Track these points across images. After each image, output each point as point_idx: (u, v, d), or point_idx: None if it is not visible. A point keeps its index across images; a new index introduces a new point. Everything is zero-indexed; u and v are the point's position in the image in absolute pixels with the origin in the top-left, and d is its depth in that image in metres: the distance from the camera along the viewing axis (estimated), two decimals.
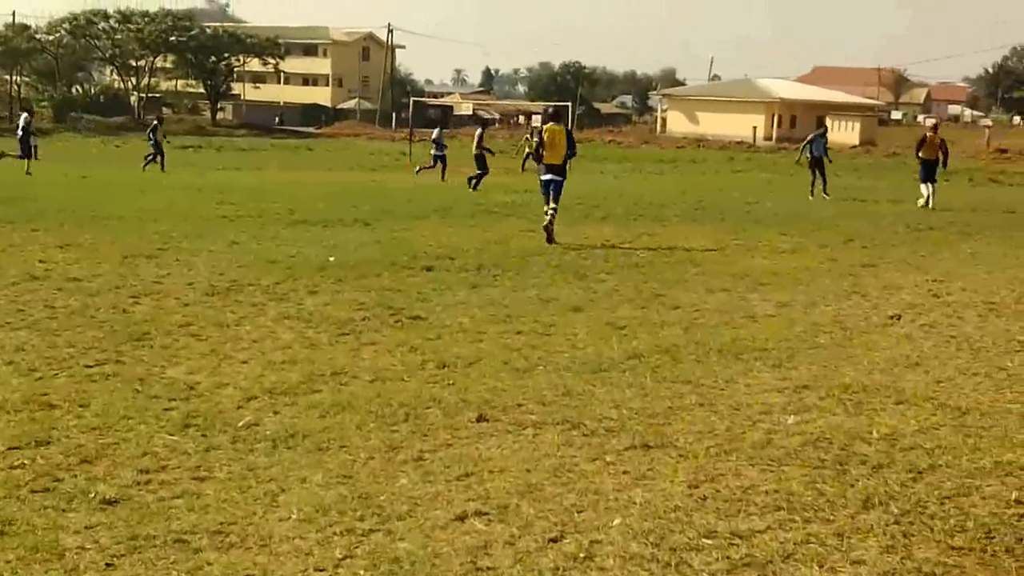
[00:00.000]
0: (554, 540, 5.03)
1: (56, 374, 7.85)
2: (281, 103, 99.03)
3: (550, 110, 18.55)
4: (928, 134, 26.64)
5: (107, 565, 4.70)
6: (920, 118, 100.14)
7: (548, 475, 5.92)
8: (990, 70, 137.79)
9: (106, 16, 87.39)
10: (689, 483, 5.81)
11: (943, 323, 10.63)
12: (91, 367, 8.07)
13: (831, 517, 5.36)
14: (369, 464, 6.04)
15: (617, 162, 51.24)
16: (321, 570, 4.71)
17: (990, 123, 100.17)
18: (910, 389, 7.93)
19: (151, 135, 35.76)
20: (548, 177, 16.70)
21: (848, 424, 7.00)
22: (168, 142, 39.36)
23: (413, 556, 4.81)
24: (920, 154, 26.14)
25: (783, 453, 6.37)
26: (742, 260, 15.00)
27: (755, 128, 75.18)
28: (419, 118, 66.09)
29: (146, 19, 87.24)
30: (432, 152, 33.48)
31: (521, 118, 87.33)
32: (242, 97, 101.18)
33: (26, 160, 32.34)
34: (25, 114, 36.61)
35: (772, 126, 78.21)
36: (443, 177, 32.37)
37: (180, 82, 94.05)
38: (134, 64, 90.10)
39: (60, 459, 5.99)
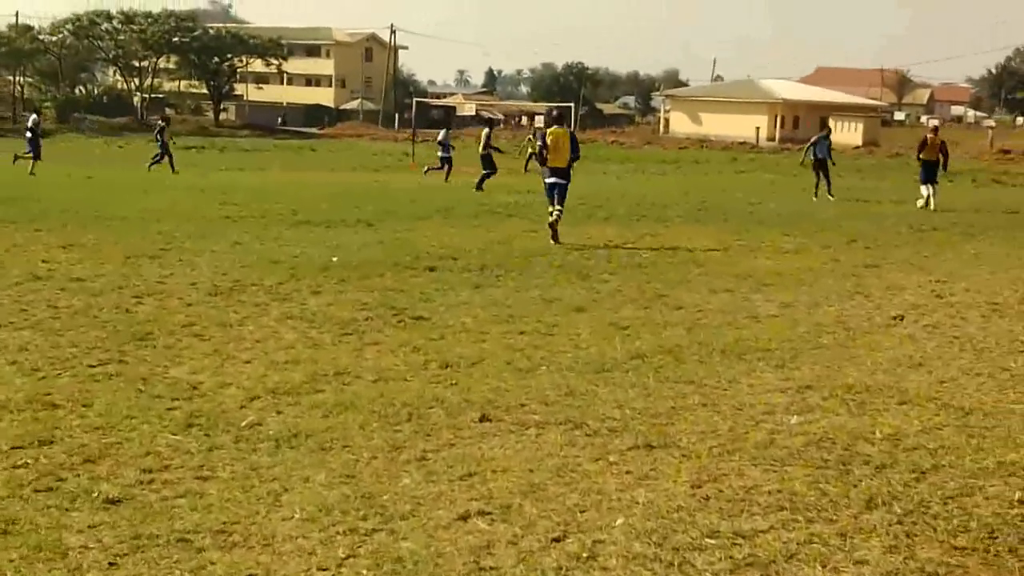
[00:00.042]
0: (557, 540, 5.02)
1: (59, 374, 7.86)
2: (284, 104, 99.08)
3: (554, 113, 18.58)
4: (929, 136, 26.69)
5: (110, 564, 4.70)
6: (923, 119, 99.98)
7: (551, 475, 5.92)
8: (993, 71, 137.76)
9: (109, 17, 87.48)
10: (692, 483, 5.81)
11: (946, 324, 10.62)
12: (94, 367, 8.08)
13: (834, 517, 5.35)
14: (372, 464, 6.05)
15: (620, 163, 51.23)
16: (324, 569, 4.70)
17: (993, 124, 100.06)
18: (913, 389, 7.92)
19: (158, 136, 35.91)
20: (552, 180, 16.69)
21: (851, 424, 7.00)
22: (174, 143, 39.45)
23: (416, 556, 4.81)
24: (921, 156, 26.18)
25: (786, 453, 6.36)
26: (745, 260, 15.00)
27: (758, 129, 75.18)
28: (422, 119, 66.19)
29: (149, 20, 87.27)
30: (439, 153, 33.46)
31: (524, 119, 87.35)
32: (245, 98, 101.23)
33: (33, 160, 32.41)
34: (34, 115, 36.75)
35: (775, 127, 78.19)
36: (446, 178, 32.37)
37: (183, 83, 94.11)
38: (137, 65, 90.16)
39: (63, 458, 5.99)
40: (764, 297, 11.89)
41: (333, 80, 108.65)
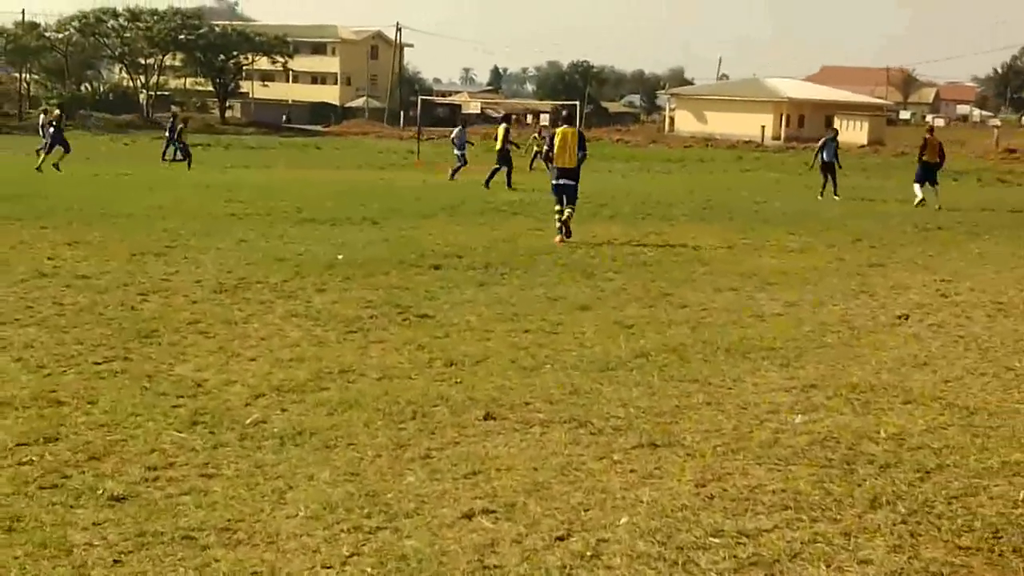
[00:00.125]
0: (561, 538, 5.03)
1: (64, 371, 7.87)
2: (289, 101, 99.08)
3: (564, 112, 18.62)
4: (927, 136, 26.87)
5: (115, 561, 4.71)
6: (928, 118, 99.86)
7: (555, 473, 5.92)
8: (999, 70, 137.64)
9: (115, 14, 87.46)
10: (696, 482, 5.81)
11: (951, 323, 10.62)
12: (99, 364, 8.09)
13: (838, 516, 5.35)
14: (376, 462, 6.05)
15: (625, 161, 51.18)
16: (328, 567, 4.71)
17: (999, 123, 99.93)
18: (918, 389, 7.92)
19: (178, 137, 36.36)
20: (561, 181, 16.65)
21: (855, 423, 7.00)
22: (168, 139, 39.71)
23: (420, 554, 4.82)
24: (924, 157, 26.26)
25: (790, 452, 6.37)
26: (750, 259, 14.99)
27: (763, 127, 75.02)
28: (427, 117, 66.14)
29: (155, 17, 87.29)
30: (455, 152, 33.36)
31: (529, 117, 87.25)
32: (251, 95, 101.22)
33: (64, 153, 32.51)
34: (56, 111, 37.04)
35: (780, 125, 78.01)
36: (452, 176, 32.34)
37: (189, 80, 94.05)
38: (143, 62, 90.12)
39: (68, 456, 6.00)
40: (769, 296, 11.89)
41: (339, 78, 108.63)
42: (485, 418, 6.92)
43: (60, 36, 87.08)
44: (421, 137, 51.49)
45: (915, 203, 25.34)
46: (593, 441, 6.52)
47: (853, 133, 69.74)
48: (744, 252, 15.85)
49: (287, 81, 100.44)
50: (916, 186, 25.93)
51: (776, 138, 74.85)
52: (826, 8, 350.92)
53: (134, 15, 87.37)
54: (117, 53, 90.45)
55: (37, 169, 30.99)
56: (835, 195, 27.71)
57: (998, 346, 9.55)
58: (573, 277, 12.86)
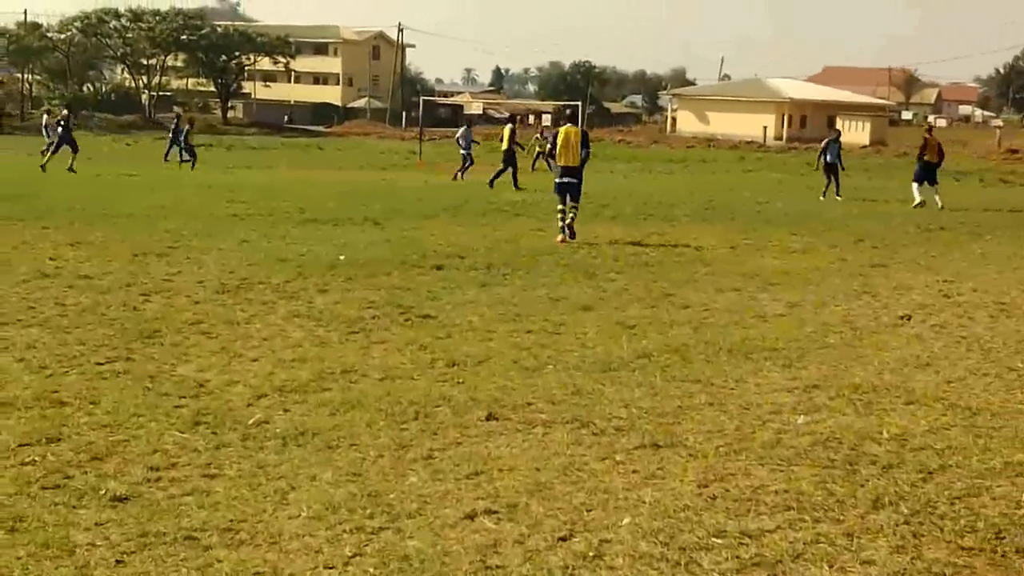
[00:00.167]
0: (563, 539, 5.03)
1: (67, 371, 7.87)
2: (291, 102, 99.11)
3: (567, 111, 18.66)
4: (926, 136, 27.05)
5: (117, 562, 4.71)
6: (930, 118, 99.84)
7: (557, 474, 5.92)
8: (1001, 70, 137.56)
9: (117, 15, 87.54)
10: (699, 482, 5.81)
11: (953, 323, 10.61)
12: (101, 364, 8.09)
13: (841, 517, 5.35)
14: (379, 462, 6.05)
15: (627, 161, 51.20)
16: (331, 568, 4.71)
17: (1001, 123, 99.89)
18: (920, 389, 7.91)
19: (185, 138, 36.47)
20: (565, 180, 16.68)
21: (858, 424, 6.99)
22: (171, 139, 39.87)
23: (423, 554, 4.82)
24: (925, 157, 26.34)
25: (793, 453, 6.36)
26: (752, 260, 14.99)
27: (765, 128, 75.03)
28: (429, 117, 66.10)
29: (157, 18, 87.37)
30: (461, 152, 33.37)
31: (531, 117, 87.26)
32: (253, 96, 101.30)
33: (72, 154, 32.58)
34: (66, 111, 37.16)
35: (782, 126, 78.03)
36: (455, 176, 32.35)
37: (191, 80, 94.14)
38: (145, 62, 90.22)
39: (70, 456, 6.00)
40: (771, 296, 11.88)
41: (341, 78, 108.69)
42: (487, 418, 6.92)
43: (62, 36, 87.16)
44: (423, 138, 51.51)
45: (913, 205, 25.36)
46: (595, 441, 6.51)
47: (855, 133, 69.72)
48: (746, 252, 15.84)
49: (289, 81, 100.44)
50: (915, 186, 26.06)
51: (778, 138, 74.86)
52: (827, 8, 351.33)
53: (136, 15, 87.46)
54: (119, 53, 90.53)
55: (41, 168, 31.03)
56: (837, 195, 27.74)
57: (1000, 347, 9.54)
58: (575, 278, 12.86)
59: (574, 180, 16.65)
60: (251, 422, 6.71)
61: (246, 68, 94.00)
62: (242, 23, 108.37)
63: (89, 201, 21.23)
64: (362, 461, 6.06)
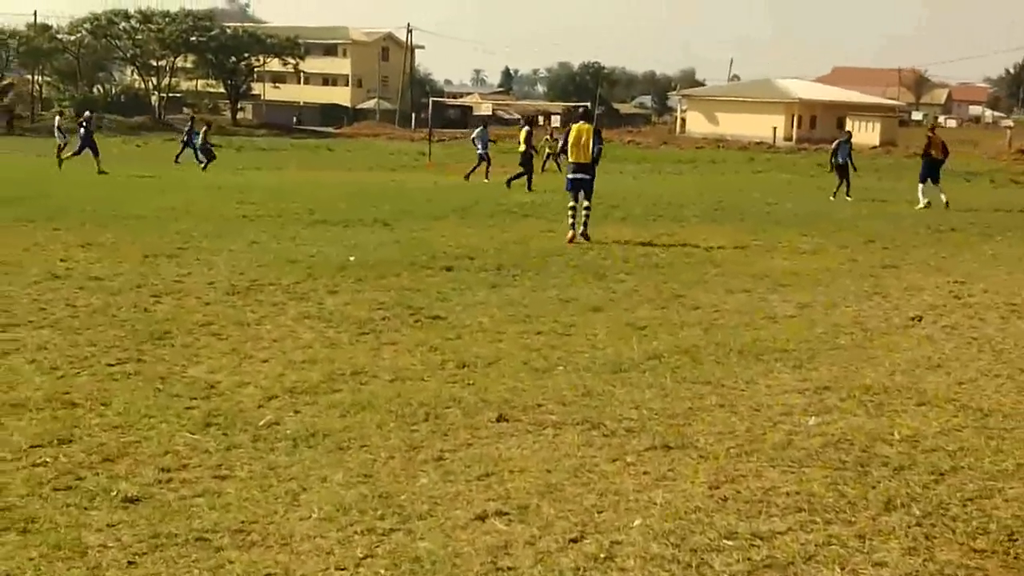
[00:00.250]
0: (574, 540, 5.02)
1: (78, 373, 7.89)
2: (301, 103, 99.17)
3: (580, 109, 18.86)
4: (930, 135, 27.19)
5: (129, 563, 4.72)
6: (940, 119, 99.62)
7: (568, 475, 5.91)
8: (1011, 71, 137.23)
9: (127, 16, 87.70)
10: (710, 484, 5.80)
11: (964, 324, 10.58)
12: (113, 366, 8.11)
13: (852, 519, 5.34)
14: (389, 464, 6.05)
15: (636, 162, 51.18)
16: (342, 569, 4.71)
17: (1012, 124, 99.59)
18: (932, 390, 7.90)
19: (203, 140, 36.66)
20: (578, 176, 16.76)
21: (869, 425, 6.98)
22: (184, 141, 40.03)
23: (433, 555, 4.82)
24: (931, 152, 26.39)
25: (804, 454, 6.35)
26: (762, 261, 14.97)
27: (775, 128, 74.92)
28: (438, 118, 66.13)
29: (167, 19, 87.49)
30: (478, 152, 33.33)
31: (540, 118, 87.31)
32: (262, 97, 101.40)
33: (95, 158, 32.76)
34: (87, 112, 37.35)
35: (792, 126, 77.93)
36: (467, 176, 32.34)
37: (200, 82, 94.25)
38: (155, 64, 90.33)
39: (82, 457, 6.01)
40: (781, 297, 11.86)
41: (350, 79, 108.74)
42: (498, 420, 6.92)
43: (72, 38, 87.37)
44: (432, 139, 51.51)
45: (919, 207, 25.32)
46: (606, 443, 6.51)
47: (865, 134, 69.61)
48: (756, 253, 15.82)
49: (298, 83, 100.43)
50: (920, 187, 26.04)
51: (788, 139, 74.76)
52: (833, 8, 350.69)
53: (146, 17, 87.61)
54: (129, 55, 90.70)
55: (59, 164, 31.26)
56: (847, 196, 27.73)
57: (1012, 348, 9.52)
58: (585, 279, 12.85)
59: (586, 176, 16.72)
60: (262, 423, 6.72)
61: (255, 69, 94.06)
62: (251, 24, 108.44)
63: (100, 202, 21.29)
64: (373, 462, 6.06)
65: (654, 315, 10.70)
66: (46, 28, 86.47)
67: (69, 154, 32.88)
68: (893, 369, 8.56)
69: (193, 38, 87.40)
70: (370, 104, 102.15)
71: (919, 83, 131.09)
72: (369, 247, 15.26)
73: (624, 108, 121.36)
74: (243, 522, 5.15)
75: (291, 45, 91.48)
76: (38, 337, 8.97)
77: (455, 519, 5.25)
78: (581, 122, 17.18)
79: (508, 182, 28.42)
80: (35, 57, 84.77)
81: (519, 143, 30.20)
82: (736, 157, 59.15)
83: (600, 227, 18.15)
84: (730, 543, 5.01)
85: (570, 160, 16.97)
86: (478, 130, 34.40)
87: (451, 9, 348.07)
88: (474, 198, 24.85)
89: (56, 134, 37.30)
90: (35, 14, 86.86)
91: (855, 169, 29.15)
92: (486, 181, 31.54)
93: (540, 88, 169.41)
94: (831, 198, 27.65)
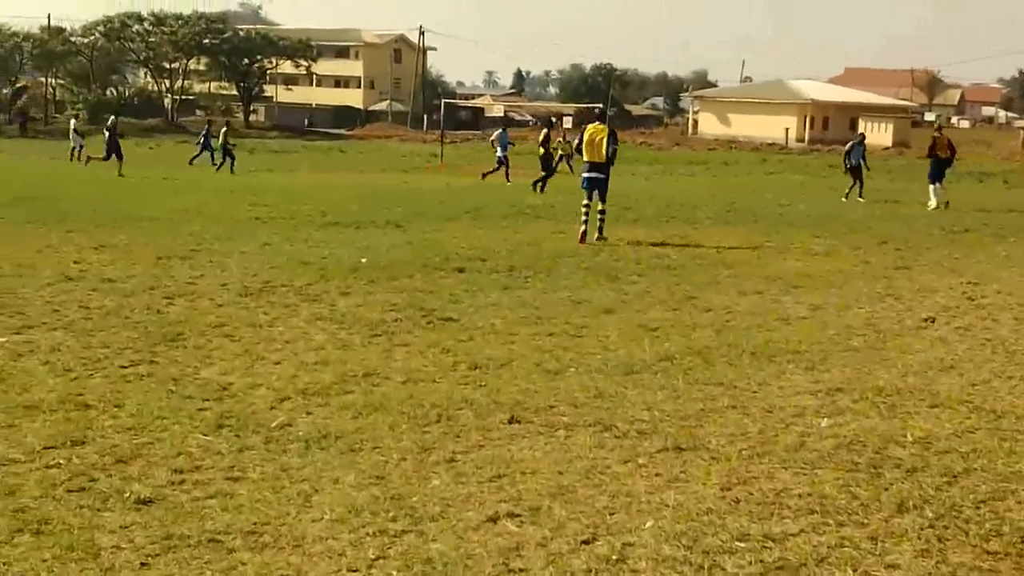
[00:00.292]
0: (586, 542, 5.02)
1: (91, 374, 7.91)
2: (313, 105, 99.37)
3: (596, 110, 19.06)
4: (936, 136, 27.10)
5: (142, 564, 4.73)
6: (953, 119, 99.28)
7: (580, 477, 5.91)
8: (1023, 71, 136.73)
9: (140, 19, 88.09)
10: (722, 486, 5.79)
11: (978, 326, 10.55)
12: (126, 367, 8.12)
13: (865, 521, 5.32)
14: (401, 465, 6.05)
15: (648, 164, 51.17)
16: (354, 571, 4.71)
17: None
18: (944, 392, 7.87)
19: (223, 141, 36.85)
20: (592, 175, 16.87)
21: (882, 427, 6.96)
22: (202, 144, 40.14)
23: (446, 557, 4.82)
24: (937, 153, 26.37)
25: (816, 456, 6.33)
26: (775, 262, 14.94)
27: (787, 130, 74.88)
28: (451, 120, 66.21)
29: (180, 22, 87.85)
30: (498, 154, 33.34)
31: (557, 120, 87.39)
32: (274, 99, 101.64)
33: (119, 162, 32.96)
34: (112, 117, 37.55)
35: (804, 128, 77.84)
36: (507, 178, 32.32)
37: (213, 84, 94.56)
38: (168, 66, 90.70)
39: (95, 459, 6.03)
40: (794, 299, 11.84)
41: (362, 81, 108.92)
42: (510, 421, 6.92)
43: (85, 41, 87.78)
44: (444, 140, 51.58)
45: (930, 208, 25.26)
46: (618, 445, 6.50)
47: (878, 135, 69.48)
48: (769, 255, 15.80)
49: (311, 85, 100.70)
50: (931, 188, 26.02)
51: (800, 140, 74.70)
52: (833, 8, 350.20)
53: (159, 20, 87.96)
54: (142, 57, 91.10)
55: (86, 162, 31.52)
56: (860, 197, 27.70)
57: None
58: (597, 280, 12.84)
59: (600, 175, 16.80)
60: (274, 425, 6.73)
61: (268, 72, 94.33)
62: (264, 27, 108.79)
63: (113, 204, 21.36)
64: (385, 464, 6.06)
65: (666, 317, 10.69)
66: (60, 31, 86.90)
67: (99, 157, 33.09)
68: (906, 371, 8.54)
69: (206, 40, 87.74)
70: (382, 106, 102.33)
71: (932, 84, 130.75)
72: (381, 249, 15.27)
73: (636, 109, 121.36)
74: (255, 523, 5.16)
75: (303, 47, 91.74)
76: (51, 339, 8.99)
77: (467, 521, 5.25)
78: (597, 123, 17.29)
79: (541, 188, 28.27)
80: (49, 60, 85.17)
81: (539, 145, 30.25)
82: (748, 158, 59.10)
83: (612, 228, 18.13)
84: (742, 545, 5.01)
85: (584, 159, 17.07)
86: (498, 132, 34.42)
87: (448, 9, 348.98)
88: (486, 200, 24.86)
89: (72, 137, 37.52)
90: (49, 17, 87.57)
91: (868, 168, 29.14)
92: (508, 183, 31.53)
93: (552, 90, 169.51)
94: (843, 199, 27.60)
